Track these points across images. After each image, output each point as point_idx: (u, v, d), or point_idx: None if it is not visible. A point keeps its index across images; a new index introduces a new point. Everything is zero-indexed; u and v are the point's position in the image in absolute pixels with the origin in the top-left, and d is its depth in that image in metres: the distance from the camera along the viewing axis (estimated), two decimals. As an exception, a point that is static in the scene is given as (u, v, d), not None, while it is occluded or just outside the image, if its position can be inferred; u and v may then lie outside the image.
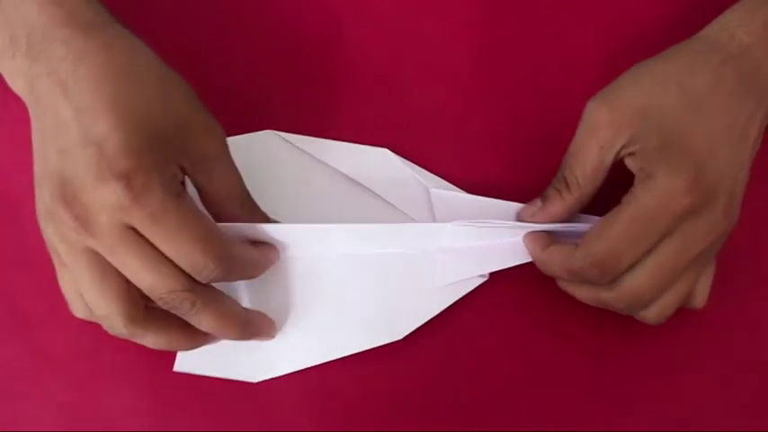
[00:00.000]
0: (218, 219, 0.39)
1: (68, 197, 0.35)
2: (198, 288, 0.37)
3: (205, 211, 0.39)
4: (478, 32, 0.48)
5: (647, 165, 0.38)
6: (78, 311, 0.39)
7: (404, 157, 0.45)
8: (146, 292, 0.37)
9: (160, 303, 0.37)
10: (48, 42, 0.36)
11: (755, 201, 0.42)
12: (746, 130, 0.39)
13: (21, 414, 0.42)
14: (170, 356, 0.42)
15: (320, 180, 0.45)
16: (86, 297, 0.37)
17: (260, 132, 0.45)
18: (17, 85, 0.39)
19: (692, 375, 0.44)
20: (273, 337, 0.42)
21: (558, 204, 0.42)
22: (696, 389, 0.44)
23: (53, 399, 0.42)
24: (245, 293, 0.43)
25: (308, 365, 0.43)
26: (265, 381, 0.43)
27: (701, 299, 0.41)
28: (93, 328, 0.39)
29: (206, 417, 0.42)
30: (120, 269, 0.36)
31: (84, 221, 0.35)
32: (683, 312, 0.41)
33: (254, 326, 0.41)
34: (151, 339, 0.38)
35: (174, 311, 0.37)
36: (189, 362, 0.42)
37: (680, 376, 0.44)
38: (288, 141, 0.45)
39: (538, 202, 0.42)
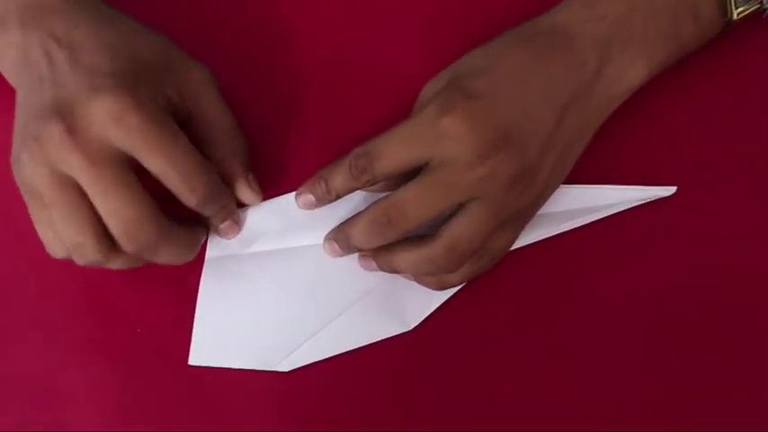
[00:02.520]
0: (203, 147, 0.41)
1: (63, 111, 0.37)
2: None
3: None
4: (431, 31, 0.47)
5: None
6: (54, 250, 0.39)
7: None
8: (102, 215, 0.38)
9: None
10: (41, 14, 0.39)
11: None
12: (552, 89, 0.40)
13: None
14: (135, 371, 0.42)
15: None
16: (59, 227, 0.38)
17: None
18: (7, 58, 0.40)
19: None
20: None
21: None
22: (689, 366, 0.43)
23: (12, 419, 0.42)
24: (261, 281, 0.43)
25: (326, 356, 0.42)
26: (230, 395, 0.42)
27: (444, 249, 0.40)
28: (54, 348, 0.41)
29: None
30: (88, 189, 0.37)
31: (74, 132, 0.36)
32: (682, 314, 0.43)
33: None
34: (122, 262, 0.40)
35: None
36: (204, 356, 0.42)
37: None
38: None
39: None
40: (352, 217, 0.41)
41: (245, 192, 0.43)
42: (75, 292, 0.43)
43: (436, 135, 0.38)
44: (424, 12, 0.47)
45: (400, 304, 0.43)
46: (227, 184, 0.42)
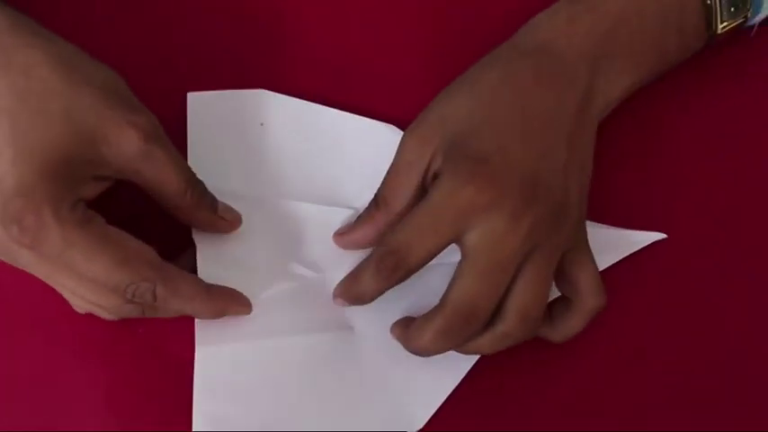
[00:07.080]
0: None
1: None
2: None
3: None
4: (431, 36, 0.47)
5: (438, 169, 0.39)
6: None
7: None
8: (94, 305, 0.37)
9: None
10: None
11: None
12: (554, 116, 0.39)
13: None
14: (135, 371, 0.42)
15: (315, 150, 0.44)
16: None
17: (253, 91, 0.43)
18: None
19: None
20: (249, 311, 0.40)
21: (367, 225, 0.41)
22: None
23: (12, 419, 0.41)
24: (256, 375, 0.41)
25: None
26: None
27: (592, 299, 0.39)
28: (54, 348, 0.41)
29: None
30: (62, 291, 0.37)
31: (13, 258, 0.36)
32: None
33: (221, 302, 0.39)
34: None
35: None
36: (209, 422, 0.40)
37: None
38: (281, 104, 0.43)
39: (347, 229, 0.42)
40: (422, 319, 0.39)
41: (221, 225, 0.41)
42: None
43: (462, 212, 0.37)
44: (425, 13, 0.47)
45: (404, 402, 0.41)
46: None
